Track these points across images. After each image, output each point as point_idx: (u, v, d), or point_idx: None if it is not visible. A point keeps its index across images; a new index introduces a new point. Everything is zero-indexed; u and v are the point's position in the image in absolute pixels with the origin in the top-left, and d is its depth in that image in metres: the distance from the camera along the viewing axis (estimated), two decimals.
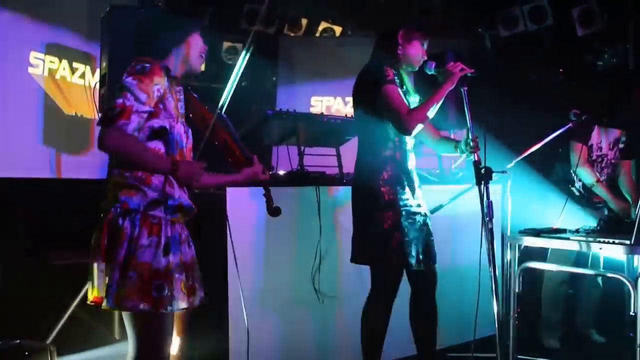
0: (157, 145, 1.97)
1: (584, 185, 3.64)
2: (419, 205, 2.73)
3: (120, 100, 1.85)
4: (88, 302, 1.98)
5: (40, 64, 4.37)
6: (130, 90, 1.86)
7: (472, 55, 5.57)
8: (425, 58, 2.77)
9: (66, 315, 3.49)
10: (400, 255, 2.64)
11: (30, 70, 4.31)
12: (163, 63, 2.01)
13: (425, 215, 2.76)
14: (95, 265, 1.93)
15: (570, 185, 3.68)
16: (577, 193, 3.65)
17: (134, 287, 1.86)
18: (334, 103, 6.52)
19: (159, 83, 1.92)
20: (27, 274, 3.69)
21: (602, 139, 3.69)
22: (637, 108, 3.54)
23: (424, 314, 2.83)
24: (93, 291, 1.95)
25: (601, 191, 3.60)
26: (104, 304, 1.89)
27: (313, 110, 6.37)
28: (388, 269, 2.69)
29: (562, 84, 5.84)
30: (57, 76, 4.44)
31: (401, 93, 2.68)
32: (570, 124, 3.50)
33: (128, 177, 1.92)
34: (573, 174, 3.67)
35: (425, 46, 2.80)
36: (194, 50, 2.09)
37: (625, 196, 3.69)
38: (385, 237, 2.64)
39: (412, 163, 2.77)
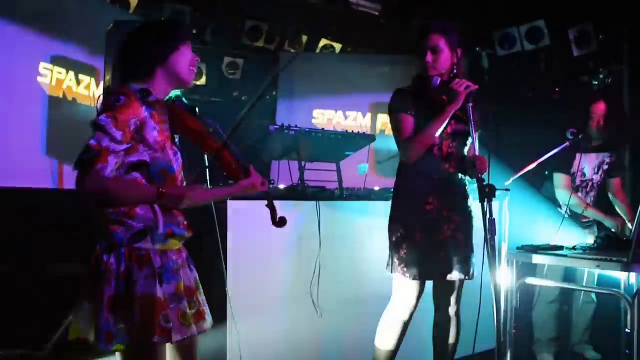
0: (137, 177, 1.86)
1: (570, 207, 3.68)
2: (445, 217, 2.68)
3: (94, 142, 1.72)
4: (69, 339, 1.87)
5: (49, 74, 4.41)
6: (105, 129, 1.73)
7: (469, 74, 5.63)
8: (433, 77, 2.64)
9: (64, 327, 3.49)
10: (412, 267, 2.64)
11: (40, 79, 4.35)
12: (145, 86, 1.90)
13: (459, 227, 2.71)
14: (81, 304, 1.84)
15: (558, 208, 3.73)
16: (565, 215, 3.70)
17: (139, 323, 1.78)
18: (335, 117, 6.59)
19: (136, 116, 1.81)
20: (26, 285, 3.69)
21: (585, 165, 3.71)
22: (604, 123, 3.58)
23: (444, 334, 2.83)
24: (76, 330, 1.84)
25: (593, 214, 3.64)
26: (96, 346, 1.79)
27: (315, 122, 6.43)
28: (407, 283, 2.69)
29: (558, 103, 5.91)
30: (64, 86, 4.49)
31: (410, 121, 2.64)
32: (568, 143, 3.54)
33: (111, 213, 1.83)
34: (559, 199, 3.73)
35: (428, 48, 2.67)
36: (181, 66, 1.95)
37: (619, 212, 3.72)
38: (399, 248, 2.67)
39: (445, 174, 2.71)
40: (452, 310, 2.81)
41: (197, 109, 2.10)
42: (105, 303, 1.77)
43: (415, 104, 2.67)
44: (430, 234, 2.66)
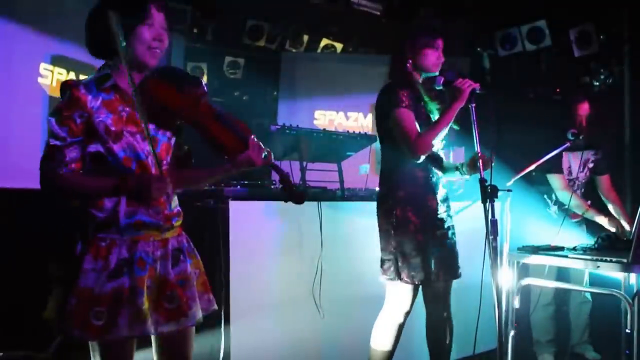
0: (100, 169, 1.84)
1: (558, 207, 3.70)
2: (441, 219, 2.73)
3: (46, 142, 1.79)
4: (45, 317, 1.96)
5: (49, 74, 4.41)
6: (52, 129, 1.78)
7: (470, 75, 5.64)
8: (443, 59, 2.72)
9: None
10: (411, 272, 2.65)
11: (40, 80, 4.35)
12: (103, 72, 1.86)
13: (448, 229, 2.75)
14: (56, 287, 1.90)
15: (547, 209, 3.74)
16: (554, 215, 3.71)
17: (72, 314, 1.76)
18: (336, 117, 6.59)
19: (80, 108, 1.78)
20: (28, 285, 3.69)
21: (572, 163, 3.74)
22: (587, 122, 3.61)
23: (437, 334, 2.84)
24: (48, 311, 1.93)
25: (593, 216, 3.65)
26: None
27: (316, 123, 6.43)
28: (402, 287, 2.69)
29: (559, 103, 5.92)
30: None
31: (413, 117, 2.64)
32: (568, 143, 3.55)
33: (81, 202, 1.85)
34: (548, 200, 3.73)
35: (440, 46, 2.73)
36: (138, 50, 1.83)
37: (612, 212, 3.73)
38: (397, 254, 2.66)
39: (436, 177, 2.76)
40: (444, 312, 2.82)
41: (184, 77, 1.89)
42: (66, 288, 1.80)
43: (408, 99, 2.66)
44: (426, 237, 2.67)
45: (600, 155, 3.77)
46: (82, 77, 4.52)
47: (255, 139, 1.91)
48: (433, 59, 2.72)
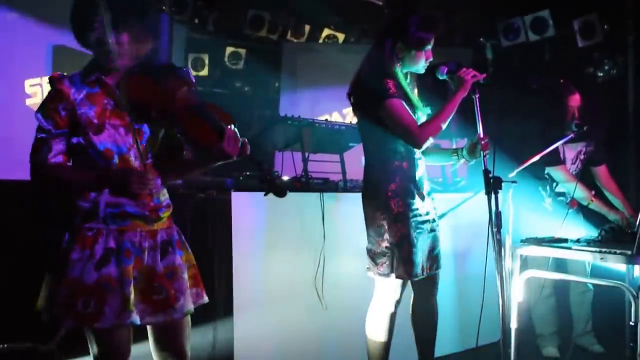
0: (82, 160, 1.88)
1: (553, 200, 3.68)
2: (427, 213, 2.71)
3: (35, 136, 1.86)
4: (37, 309, 1.93)
5: (38, 90, 4.40)
6: (39, 123, 1.85)
7: (473, 65, 5.61)
8: (431, 59, 2.63)
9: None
10: (407, 267, 2.61)
11: (29, 101, 4.33)
12: (88, 65, 1.90)
13: (434, 221, 2.75)
14: (45, 276, 1.92)
15: (542, 203, 3.72)
16: (549, 209, 3.69)
17: (61, 302, 1.81)
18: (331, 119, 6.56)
19: (64, 100, 1.84)
20: (32, 278, 3.69)
21: (566, 156, 3.72)
22: (580, 114, 3.59)
23: (425, 319, 2.85)
24: (39, 300, 1.92)
25: (596, 206, 3.63)
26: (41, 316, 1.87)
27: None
28: (394, 280, 2.66)
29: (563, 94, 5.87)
30: None
31: (405, 106, 2.57)
32: (572, 134, 3.53)
33: (67, 195, 1.91)
34: (543, 192, 3.71)
35: (430, 46, 2.62)
36: (130, 44, 1.87)
37: (613, 202, 3.71)
38: (393, 249, 2.62)
39: (421, 170, 2.71)
40: (431, 301, 2.83)
41: (166, 69, 1.91)
42: (53, 277, 1.86)
43: (396, 88, 2.58)
44: (418, 230, 2.64)
45: (593, 146, 3.74)
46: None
47: (233, 129, 1.85)
48: (422, 58, 2.63)
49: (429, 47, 2.62)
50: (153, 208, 1.94)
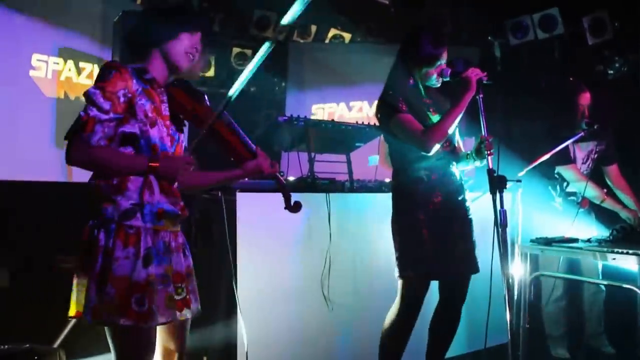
0: (130, 151, 1.90)
1: (563, 199, 3.64)
2: (452, 214, 2.70)
3: (82, 113, 1.81)
4: (68, 318, 1.92)
5: (43, 66, 4.41)
6: (93, 100, 1.81)
7: (481, 64, 5.56)
8: (443, 68, 2.66)
9: (74, 319, 3.48)
10: (423, 269, 2.63)
11: (32, 73, 4.33)
12: (140, 65, 1.95)
13: (461, 222, 2.73)
14: (75, 278, 1.88)
15: (552, 203, 3.68)
16: (559, 208, 3.64)
17: (113, 302, 1.79)
18: (337, 109, 6.53)
19: (126, 87, 1.85)
20: (36, 278, 3.69)
21: (576, 155, 3.68)
22: (590, 112, 3.56)
23: (448, 324, 2.83)
24: (73, 305, 1.89)
25: (609, 205, 3.59)
26: (84, 319, 1.83)
27: (315, 118, 6.40)
28: (421, 283, 2.68)
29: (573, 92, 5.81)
30: (62, 77, 4.49)
31: (412, 118, 2.62)
32: (582, 133, 3.49)
33: (102, 186, 1.85)
34: (552, 191, 3.66)
35: (443, 61, 2.67)
36: (177, 51, 1.97)
37: (624, 201, 3.66)
38: (409, 251, 2.65)
39: (449, 171, 2.74)
40: (457, 306, 2.81)
41: (199, 92, 2.07)
42: (94, 278, 1.81)
43: (406, 103, 2.65)
44: (439, 231, 2.64)
45: (604, 145, 3.69)
46: (82, 64, 4.52)
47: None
48: (433, 73, 2.67)
49: (441, 62, 2.65)
50: (182, 207, 1.99)
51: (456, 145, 2.79)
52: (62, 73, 4.59)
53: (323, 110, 6.46)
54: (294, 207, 2.12)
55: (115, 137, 1.85)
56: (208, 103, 2.09)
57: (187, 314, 1.96)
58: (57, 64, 4.55)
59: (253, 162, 2.07)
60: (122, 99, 1.83)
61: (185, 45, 1.97)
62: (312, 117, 6.31)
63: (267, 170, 2.09)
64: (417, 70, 2.69)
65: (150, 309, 1.82)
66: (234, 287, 2.77)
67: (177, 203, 1.97)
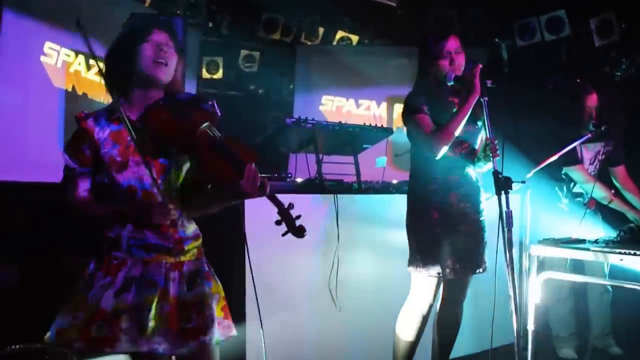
0: (106, 198, 1.95)
1: (570, 201, 3.64)
2: (465, 214, 2.73)
3: (63, 170, 1.95)
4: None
5: (55, 54, 4.43)
6: (65, 162, 1.94)
7: (489, 66, 5.57)
8: (457, 62, 2.68)
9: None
10: (434, 266, 2.67)
11: (43, 59, 4.35)
12: (113, 103, 1.93)
13: (473, 222, 2.75)
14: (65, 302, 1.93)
15: (559, 204, 3.68)
16: (566, 209, 3.64)
17: (76, 326, 1.83)
18: (346, 104, 6.55)
19: (86, 141, 1.92)
20: (47, 277, 3.72)
21: (583, 156, 3.68)
22: (597, 114, 3.55)
23: (452, 323, 2.87)
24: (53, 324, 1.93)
25: (617, 205, 3.58)
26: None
27: (322, 108, 6.40)
28: (433, 279, 2.72)
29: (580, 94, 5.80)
30: (71, 69, 4.54)
31: (428, 120, 2.65)
32: (589, 134, 3.49)
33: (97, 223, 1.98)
34: (559, 192, 3.67)
35: (452, 47, 2.68)
36: (144, 66, 1.93)
37: (632, 202, 3.66)
38: (423, 248, 2.70)
39: (466, 173, 2.76)
40: (457, 304, 2.85)
41: (192, 104, 1.93)
42: (69, 300, 1.88)
43: (427, 103, 2.68)
44: (443, 231, 2.68)
45: (611, 146, 3.70)
46: (92, 62, 4.54)
47: (254, 168, 1.81)
48: (445, 66, 2.69)
49: (450, 51, 2.67)
50: (178, 240, 1.95)
51: (476, 147, 2.80)
52: (72, 65, 4.64)
53: (332, 102, 6.48)
54: (298, 231, 1.87)
55: (93, 187, 1.95)
56: (217, 109, 1.94)
57: (191, 344, 1.89)
58: (68, 55, 4.60)
59: (236, 187, 1.80)
60: (87, 153, 1.92)
61: (148, 57, 1.92)
62: (321, 108, 6.34)
63: (252, 194, 1.83)
64: (431, 66, 2.73)
65: (113, 336, 1.82)
66: (254, 290, 2.78)
67: (170, 236, 1.94)
